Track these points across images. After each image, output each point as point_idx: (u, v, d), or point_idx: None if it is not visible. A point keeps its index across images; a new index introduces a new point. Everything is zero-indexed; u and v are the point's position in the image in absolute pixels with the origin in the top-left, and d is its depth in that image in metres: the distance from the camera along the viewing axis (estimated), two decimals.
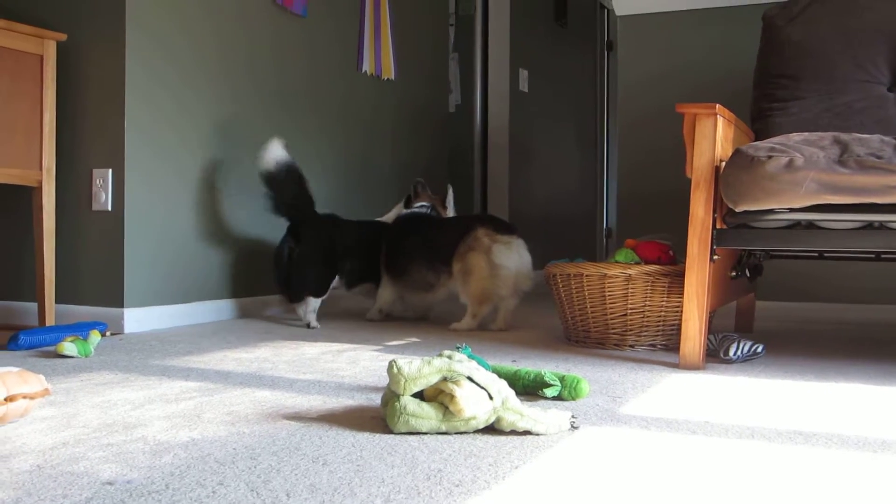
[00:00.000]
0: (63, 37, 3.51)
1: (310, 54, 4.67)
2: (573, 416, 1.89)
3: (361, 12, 5.10)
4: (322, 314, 4.22)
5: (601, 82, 8.71)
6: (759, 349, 2.95)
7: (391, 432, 1.82)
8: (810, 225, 2.72)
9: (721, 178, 2.74)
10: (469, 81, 6.96)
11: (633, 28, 4.95)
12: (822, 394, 2.37)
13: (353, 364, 2.78)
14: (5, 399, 1.82)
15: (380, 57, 5.25)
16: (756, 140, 3.44)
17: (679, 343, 2.82)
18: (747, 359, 2.92)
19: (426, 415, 1.81)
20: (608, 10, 8.72)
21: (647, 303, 3.12)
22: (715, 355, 2.93)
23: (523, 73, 7.04)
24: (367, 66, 5.13)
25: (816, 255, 3.50)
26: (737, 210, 2.72)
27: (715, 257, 2.80)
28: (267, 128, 4.33)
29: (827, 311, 4.44)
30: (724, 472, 1.57)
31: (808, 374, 2.66)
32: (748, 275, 3.42)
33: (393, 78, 5.39)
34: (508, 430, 1.83)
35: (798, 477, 1.55)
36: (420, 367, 1.83)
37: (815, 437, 1.83)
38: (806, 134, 2.82)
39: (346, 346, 3.23)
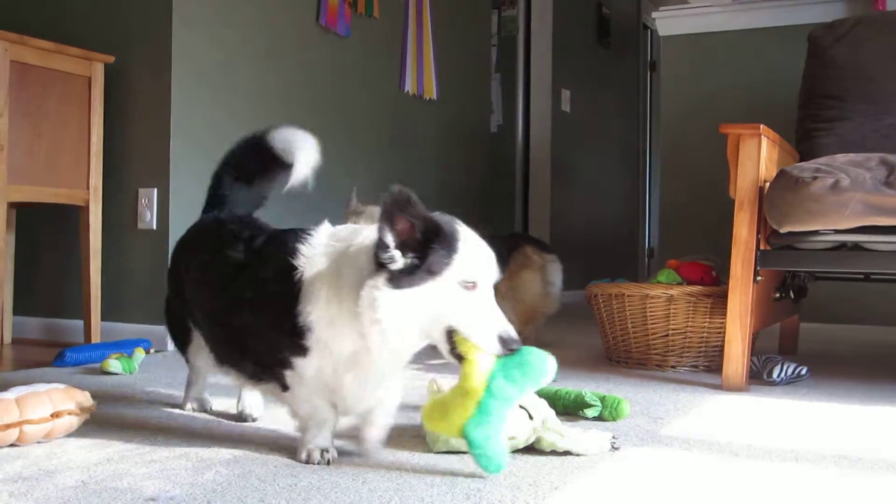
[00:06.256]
0: (110, 59, 3.57)
1: (353, 74, 4.70)
2: (614, 437, 1.88)
3: (404, 33, 5.13)
4: None
5: (644, 102, 8.69)
6: (803, 371, 2.91)
7: (431, 451, 1.82)
8: (856, 246, 2.69)
9: (765, 198, 2.72)
10: (511, 102, 6.97)
11: (677, 48, 4.94)
12: (868, 417, 2.33)
13: None
14: (52, 415, 1.84)
15: (422, 77, 5.28)
16: (801, 161, 3.41)
17: (722, 364, 2.79)
18: (791, 381, 2.88)
19: None
20: (651, 31, 8.70)
21: (690, 324, 3.10)
22: (758, 377, 2.90)
23: (565, 94, 7.05)
24: (410, 86, 5.16)
25: (862, 276, 3.46)
26: (781, 231, 2.70)
27: (758, 278, 2.78)
28: None
29: (873, 333, 4.38)
30: (768, 495, 1.55)
31: (853, 398, 2.62)
32: (792, 296, 3.38)
33: (435, 98, 5.41)
34: (548, 450, 1.82)
35: (844, 502, 1.53)
36: None
37: (860, 462, 1.81)
38: (852, 155, 2.79)
39: None
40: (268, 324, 1.74)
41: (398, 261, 1.58)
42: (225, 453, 1.81)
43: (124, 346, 3.19)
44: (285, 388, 1.77)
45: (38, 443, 1.87)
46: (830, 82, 3.58)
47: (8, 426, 1.78)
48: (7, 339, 3.69)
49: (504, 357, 1.60)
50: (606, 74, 7.84)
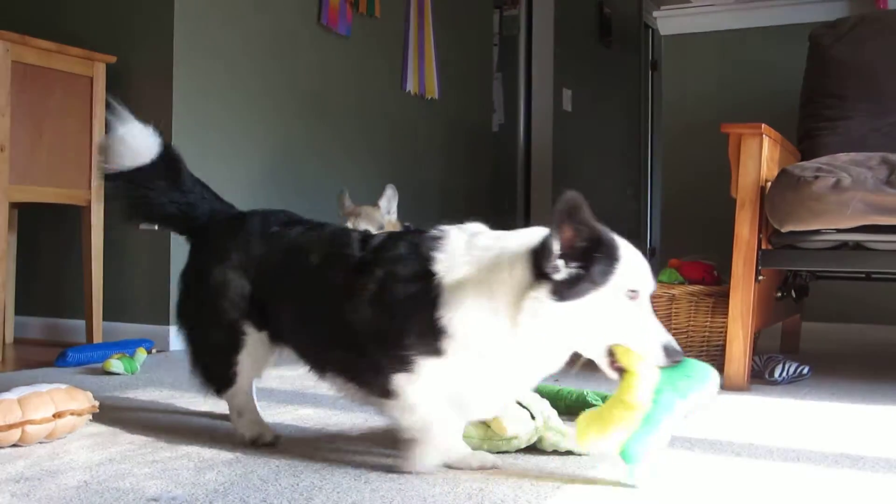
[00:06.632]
0: (112, 59, 3.57)
1: (354, 74, 4.70)
2: None
3: (405, 32, 5.13)
4: None
5: (645, 102, 8.68)
6: (805, 371, 2.91)
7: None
8: (857, 246, 2.69)
9: (767, 198, 2.72)
10: (513, 101, 6.96)
11: (678, 47, 4.93)
12: (869, 417, 2.33)
13: None
14: (53, 415, 1.84)
15: (423, 76, 5.28)
16: (802, 160, 3.41)
17: (723, 364, 2.79)
18: (792, 380, 2.88)
19: (468, 434, 1.81)
20: (652, 30, 8.69)
21: (691, 323, 3.10)
22: (760, 377, 2.90)
23: (567, 93, 7.04)
24: (411, 86, 5.15)
25: (863, 276, 3.46)
26: (782, 230, 2.69)
27: (760, 278, 2.78)
28: (310, 147, 4.36)
29: (874, 332, 4.38)
30: (770, 495, 1.55)
31: (855, 397, 2.62)
32: (794, 295, 3.38)
33: (436, 97, 5.41)
34: (551, 450, 1.82)
35: (845, 501, 1.53)
36: None
37: (862, 461, 1.81)
38: (853, 154, 2.79)
39: None
40: (398, 323, 1.60)
41: (562, 270, 1.51)
42: (227, 453, 1.81)
43: (126, 346, 3.19)
44: (387, 394, 1.64)
45: (41, 443, 1.87)
46: (831, 81, 3.58)
47: (10, 426, 1.79)
48: (9, 338, 3.69)
49: (668, 369, 1.55)
50: (608, 74, 7.83)
